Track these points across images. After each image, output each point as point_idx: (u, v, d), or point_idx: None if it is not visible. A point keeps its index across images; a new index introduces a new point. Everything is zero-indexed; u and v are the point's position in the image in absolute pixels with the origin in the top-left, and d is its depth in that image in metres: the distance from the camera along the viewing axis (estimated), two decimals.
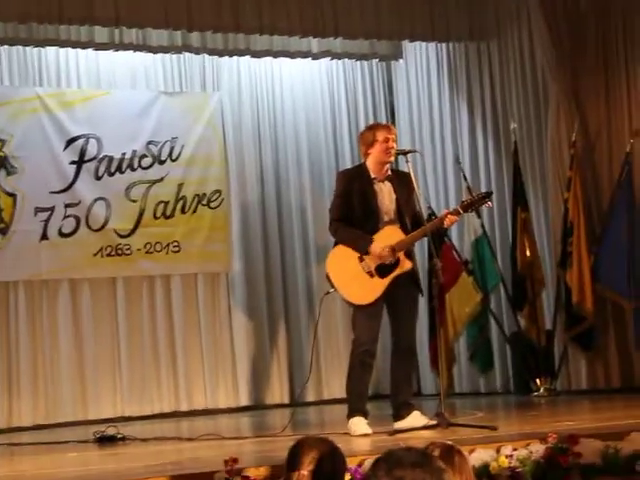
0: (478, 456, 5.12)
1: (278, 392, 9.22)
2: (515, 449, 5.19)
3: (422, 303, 8.85)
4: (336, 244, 6.56)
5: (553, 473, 5.06)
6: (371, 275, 6.40)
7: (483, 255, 8.71)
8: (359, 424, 6.36)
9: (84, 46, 8.39)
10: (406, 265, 6.45)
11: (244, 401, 9.13)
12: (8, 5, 7.40)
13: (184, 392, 8.94)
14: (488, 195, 6.58)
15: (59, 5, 7.46)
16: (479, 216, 8.57)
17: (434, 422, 6.22)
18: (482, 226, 8.71)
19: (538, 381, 8.43)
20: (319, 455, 3.15)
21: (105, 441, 7.06)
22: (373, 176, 6.51)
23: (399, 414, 6.50)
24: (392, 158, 6.60)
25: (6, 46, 8.34)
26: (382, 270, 6.40)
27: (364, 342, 6.42)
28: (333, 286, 6.46)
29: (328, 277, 6.48)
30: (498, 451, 5.20)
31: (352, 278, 6.39)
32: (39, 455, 6.92)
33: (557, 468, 5.06)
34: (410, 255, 6.55)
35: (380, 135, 6.49)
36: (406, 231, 6.47)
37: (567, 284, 8.21)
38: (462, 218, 6.78)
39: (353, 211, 6.44)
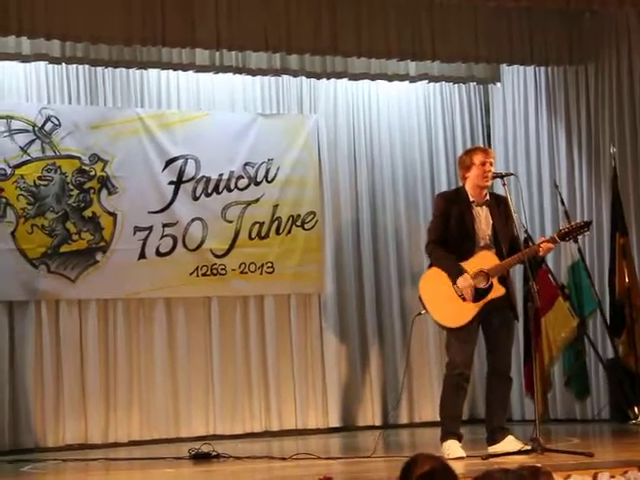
0: None
1: (370, 414, 9.20)
2: (612, 476, 5.13)
3: (518, 327, 8.81)
4: (430, 265, 6.59)
5: None
6: (463, 299, 6.41)
7: (580, 280, 8.61)
8: (453, 447, 6.34)
9: (185, 68, 8.51)
10: (499, 291, 6.49)
11: (334, 422, 9.12)
12: (113, 28, 7.57)
13: (275, 412, 8.97)
14: (587, 225, 6.61)
15: (162, 28, 7.60)
16: (576, 241, 8.46)
17: (528, 447, 6.17)
18: (579, 251, 8.61)
19: (635, 409, 8.28)
20: (432, 470, 3.16)
21: (200, 458, 7.14)
22: (471, 199, 6.53)
23: (493, 438, 6.47)
24: (489, 182, 6.61)
25: (110, 68, 8.52)
26: (475, 294, 6.41)
27: (458, 365, 6.43)
28: (425, 307, 6.49)
29: (420, 298, 6.54)
30: (595, 478, 5.14)
31: (444, 301, 6.42)
32: (134, 470, 7.04)
33: None
34: (506, 280, 6.55)
35: (477, 159, 6.52)
36: (501, 257, 6.48)
37: None
38: (559, 244, 6.75)
39: (450, 234, 6.46)
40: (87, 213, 8.52)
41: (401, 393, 7.67)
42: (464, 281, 6.38)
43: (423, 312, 6.53)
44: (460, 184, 6.74)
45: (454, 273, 6.40)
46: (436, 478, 3.13)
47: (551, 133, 9.26)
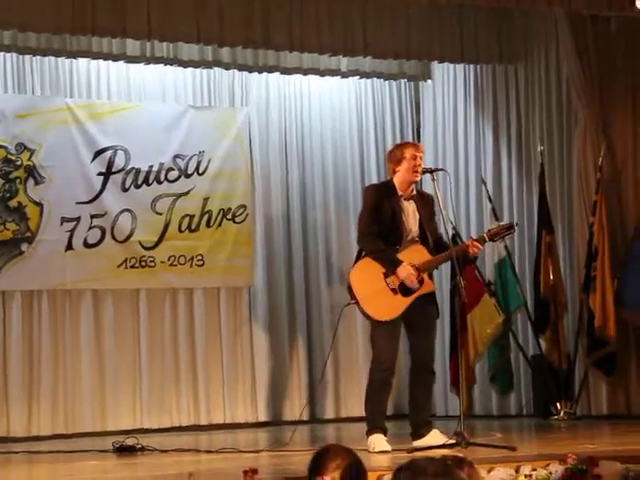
0: (497, 475, 5.13)
1: (297, 408, 9.21)
2: (534, 469, 5.21)
3: (444, 323, 8.90)
4: (359, 256, 6.58)
5: None
6: (394, 292, 6.44)
7: (506, 277, 8.71)
8: (378, 441, 6.38)
9: (115, 58, 8.45)
10: (429, 287, 6.54)
11: (263, 417, 9.13)
12: (42, 16, 7.47)
13: (203, 406, 8.95)
14: (511, 227, 6.68)
15: (92, 17, 7.51)
16: (503, 241, 8.57)
17: (453, 441, 6.22)
18: (506, 248, 8.71)
19: (558, 405, 8.40)
20: (344, 463, 3.18)
21: (124, 451, 7.10)
22: (399, 193, 6.56)
23: (418, 432, 6.53)
24: (419, 177, 6.66)
25: (38, 56, 8.41)
26: (405, 289, 6.45)
27: (384, 360, 6.45)
28: (355, 298, 6.48)
29: (350, 289, 6.51)
30: (517, 471, 5.22)
31: (375, 293, 6.42)
32: (57, 463, 6.96)
33: None
34: (430, 275, 6.59)
35: (408, 152, 6.57)
36: (429, 252, 6.51)
37: (590, 308, 8.21)
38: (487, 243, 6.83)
39: (379, 226, 6.48)
40: (12, 203, 8.41)
41: (321, 379, 7.96)
42: (404, 270, 6.39)
43: (352, 302, 6.51)
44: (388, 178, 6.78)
45: (393, 263, 6.40)
46: (348, 471, 3.15)
47: (479, 130, 9.35)
